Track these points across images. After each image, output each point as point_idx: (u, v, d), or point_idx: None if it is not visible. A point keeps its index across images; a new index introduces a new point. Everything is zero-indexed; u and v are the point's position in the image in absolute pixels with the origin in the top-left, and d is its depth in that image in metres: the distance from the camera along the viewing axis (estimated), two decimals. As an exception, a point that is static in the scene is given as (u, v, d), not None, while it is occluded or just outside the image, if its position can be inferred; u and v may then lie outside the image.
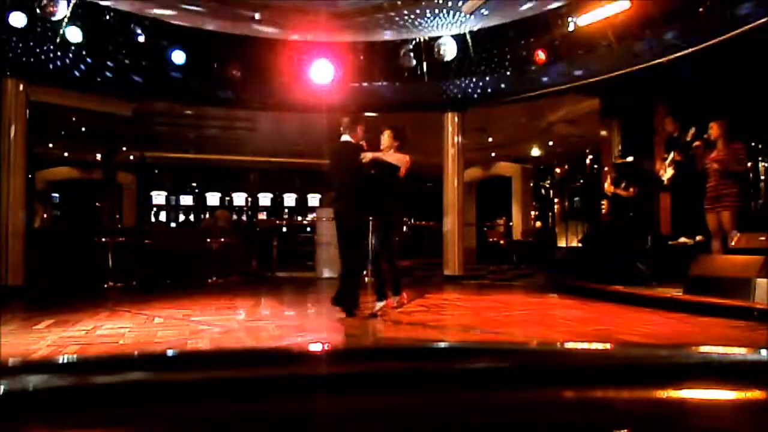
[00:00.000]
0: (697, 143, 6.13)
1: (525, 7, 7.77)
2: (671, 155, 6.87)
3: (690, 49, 6.67)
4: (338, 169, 5.14)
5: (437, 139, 9.39)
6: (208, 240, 9.04)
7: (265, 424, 0.54)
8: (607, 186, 7.63)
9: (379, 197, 5.08)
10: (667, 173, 6.91)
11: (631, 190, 7.28)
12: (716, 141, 5.91)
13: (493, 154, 14.57)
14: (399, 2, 7.62)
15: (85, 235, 8.59)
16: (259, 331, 4.24)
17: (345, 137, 5.17)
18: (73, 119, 9.83)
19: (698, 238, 6.60)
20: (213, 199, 17.76)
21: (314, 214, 12.14)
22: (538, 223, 15.81)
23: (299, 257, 11.61)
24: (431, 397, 0.58)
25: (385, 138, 5.25)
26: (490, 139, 12.53)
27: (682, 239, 7.00)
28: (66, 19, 7.29)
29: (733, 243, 5.57)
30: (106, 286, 7.96)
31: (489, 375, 0.64)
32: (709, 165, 5.88)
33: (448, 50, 8.44)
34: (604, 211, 7.88)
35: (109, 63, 8.09)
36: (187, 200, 17.66)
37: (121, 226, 13.41)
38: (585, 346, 1.44)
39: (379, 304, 5.11)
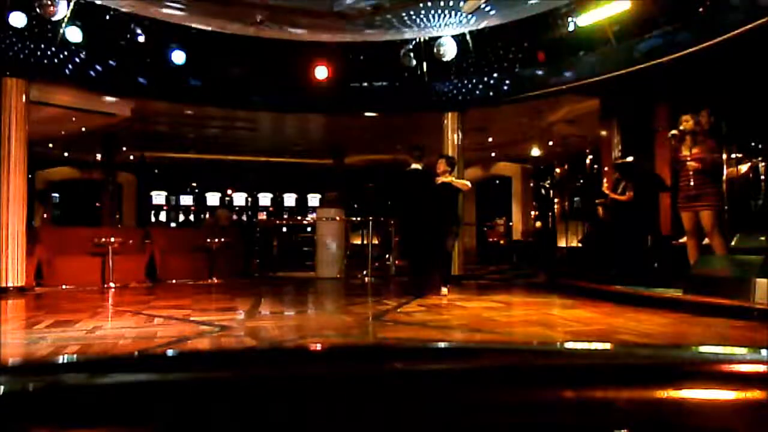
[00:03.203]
0: (674, 132, 5.80)
1: (525, 7, 7.77)
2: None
3: (690, 49, 6.67)
4: (417, 190, 6.60)
5: (437, 139, 9.39)
6: (209, 240, 9.04)
7: (265, 425, 0.54)
8: (605, 188, 7.61)
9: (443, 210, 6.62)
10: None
11: (628, 194, 7.21)
12: (687, 135, 5.68)
13: (493, 154, 14.58)
14: (399, 2, 7.62)
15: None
16: (259, 331, 4.24)
17: (415, 165, 6.74)
18: (73, 119, 9.82)
19: (705, 241, 6.47)
20: (213, 199, 17.77)
21: (314, 214, 12.13)
22: (538, 223, 15.81)
23: (299, 257, 11.62)
24: (431, 398, 0.58)
25: (440, 165, 6.59)
26: (490, 139, 12.54)
27: (683, 239, 6.98)
28: (66, 19, 7.29)
29: (733, 243, 5.56)
30: (106, 286, 7.97)
31: (489, 375, 0.64)
32: (690, 164, 5.67)
33: (448, 50, 8.44)
34: (599, 213, 7.85)
35: (109, 63, 8.09)
36: (187, 200, 17.67)
37: (121, 226, 13.43)
38: (585, 346, 1.44)
39: (444, 290, 6.56)
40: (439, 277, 6.69)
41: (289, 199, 18.36)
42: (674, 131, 5.79)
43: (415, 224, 6.74)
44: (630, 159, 7.86)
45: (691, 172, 5.69)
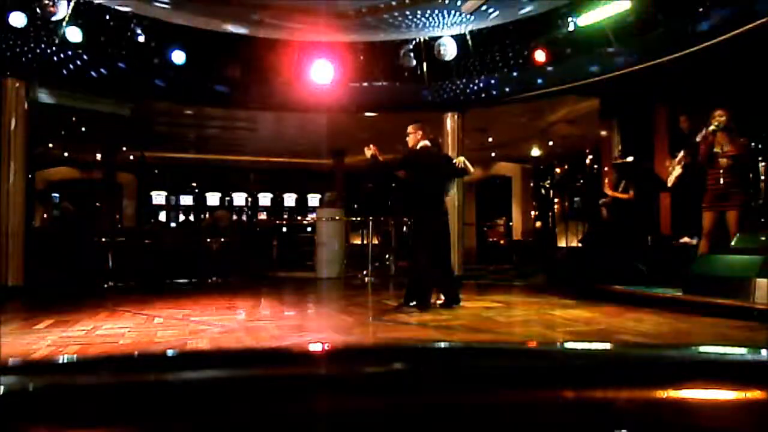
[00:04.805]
0: (712, 128, 5.58)
1: (525, 7, 7.77)
2: (681, 154, 6.49)
3: (690, 49, 6.67)
4: (439, 174, 5.37)
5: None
6: (209, 240, 9.05)
7: (264, 425, 0.54)
8: (606, 188, 7.60)
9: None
10: (674, 172, 6.56)
11: (631, 192, 7.20)
12: (718, 132, 5.56)
13: (493, 154, 14.58)
14: (399, 2, 7.62)
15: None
16: (259, 331, 4.24)
17: (425, 142, 5.43)
18: (73, 119, 9.82)
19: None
20: (213, 199, 17.76)
21: (314, 214, 12.14)
22: (538, 223, 15.81)
23: (299, 257, 11.62)
24: (431, 398, 0.58)
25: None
26: (490, 139, 12.54)
27: (685, 239, 6.97)
28: (66, 19, 7.29)
29: (733, 243, 5.54)
30: (106, 286, 7.97)
31: (489, 375, 0.64)
32: (722, 161, 5.55)
33: (448, 50, 8.45)
34: (603, 213, 7.81)
35: (109, 63, 8.09)
36: (187, 200, 17.66)
37: (121, 226, 13.43)
38: (585, 346, 1.44)
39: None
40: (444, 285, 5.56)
41: (289, 199, 18.35)
42: (712, 127, 5.63)
43: (435, 220, 5.29)
44: (630, 159, 7.86)
45: (722, 171, 5.57)
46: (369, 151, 5.35)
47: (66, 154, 14.06)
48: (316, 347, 1.39)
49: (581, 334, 4.08)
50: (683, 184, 6.60)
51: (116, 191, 14.81)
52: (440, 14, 7.99)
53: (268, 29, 8.34)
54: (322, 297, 7.26)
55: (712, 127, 5.62)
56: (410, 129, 5.53)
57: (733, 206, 5.56)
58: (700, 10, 6.58)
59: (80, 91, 8.57)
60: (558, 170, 15.25)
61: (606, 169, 8.57)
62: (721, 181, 5.60)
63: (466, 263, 9.74)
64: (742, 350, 0.77)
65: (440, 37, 8.50)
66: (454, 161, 5.57)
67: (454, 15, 7.97)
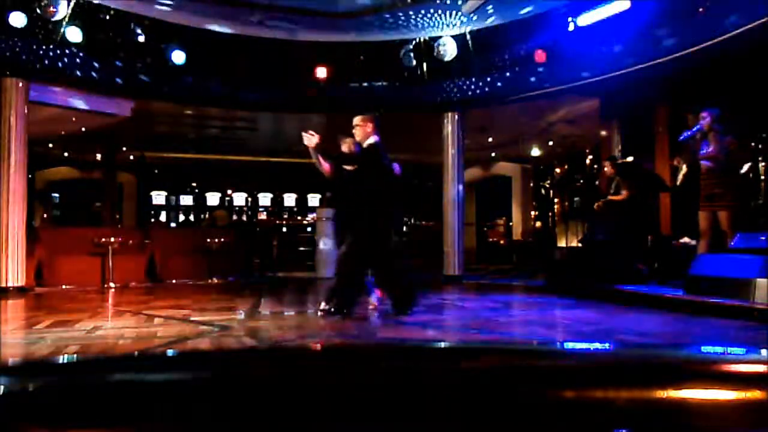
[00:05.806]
0: (687, 133, 5.69)
1: (525, 7, 7.77)
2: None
3: (690, 49, 6.67)
4: (389, 173, 4.89)
5: (437, 139, 9.39)
6: (208, 240, 9.05)
7: (264, 424, 0.54)
8: (599, 183, 7.58)
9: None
10: (682, 171, 6.54)
11: (624, 193, 7.14)
12: (707, 133, 5.58)
13: (493, 154, 14.58)
14: (399, 2, 7.62)
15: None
16: (259, 331, 4.24)
17: (376, 138, 4.78)
18: (73, 119, 9.82)
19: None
20: (213, 199, 17.77)
21: (314, 214, 12.14)
22: (538, 223, 15.81)
23: (299, 257, 11.62)
24: (431, 397, 0.58)
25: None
26: (490, 139, 12.54)
27: (685, 239, 6.96)
28: (66, 19, 7.29)
29: (732, 243, 5.54)
30: (106, 286, 7.97)
31: (489, 375, 0.64)
32: (702, 164, 5.62)
33: (448, 50, 8.44)
34: (602, 214, 7.76)
35: (108, 63, 8.08)
36: (187, 200, 17.68)
37: (121, 226, 13.43)
38: (585, 346, 1.44)
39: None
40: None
41: (289, 199, 18.35)
42: (688, 132, 5.67)
43: (387, 221, 4.83)
44: (630, 159, 7.85)
45: (705, 171, 5.61)
46: (313, 139, 4.63)
47: (66, 154, 14.07)
48: (316, 347, 1.39)
49: (581, 334, 4.08)
50: (685, 184, 6.58)
51: (116, 191, 14.81)
52: (440, 14, 7.98)
53: (267, 29, 8.34)
54: (322, 297, 7.25)
55: (688, 133, 5.67)
56: (358, 121, 4.82)
57: (721, 207, 5.58)
58: (700, 9, 6.58)
59: (80, 91, 8.56)
60: (558, 170, 15.24)
61: (605, 169, 8.56)
62: (709, 182, 5.64)
63: (466, 263, 9.74)
64: (742, 350, 0.77)
65: (440, 37, 8.49)
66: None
67: (454, 15, 7.97)
